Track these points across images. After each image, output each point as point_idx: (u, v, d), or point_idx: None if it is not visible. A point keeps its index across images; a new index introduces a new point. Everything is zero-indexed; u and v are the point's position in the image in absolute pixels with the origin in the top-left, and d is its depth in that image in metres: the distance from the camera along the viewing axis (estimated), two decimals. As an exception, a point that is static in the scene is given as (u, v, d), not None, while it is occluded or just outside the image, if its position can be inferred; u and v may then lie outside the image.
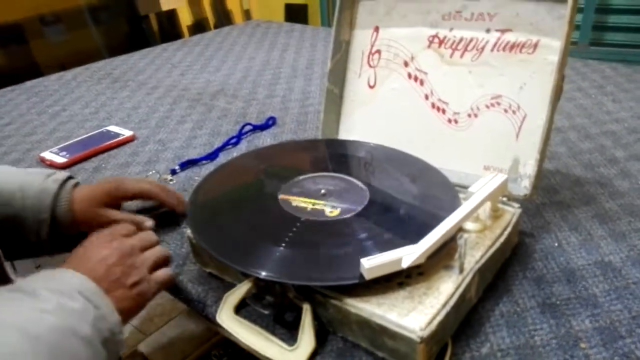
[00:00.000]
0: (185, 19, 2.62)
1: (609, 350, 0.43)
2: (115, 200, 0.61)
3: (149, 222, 0.60)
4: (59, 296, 0.41)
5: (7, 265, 0.51)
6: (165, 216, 0.64)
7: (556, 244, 0.56)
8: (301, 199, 0.55)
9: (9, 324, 0.37)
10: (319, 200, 0.55)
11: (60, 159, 0.81)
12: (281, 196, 0.55)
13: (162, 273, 0.51)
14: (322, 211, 0.53)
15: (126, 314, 0.46)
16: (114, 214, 0.60)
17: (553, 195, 0.65)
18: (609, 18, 1.92)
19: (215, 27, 2.66)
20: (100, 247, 0.48)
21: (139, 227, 0.58)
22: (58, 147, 0.85)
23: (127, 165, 0.80)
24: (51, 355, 0.37)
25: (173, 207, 0.63)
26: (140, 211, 0.65)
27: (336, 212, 0.52)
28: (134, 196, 0.62)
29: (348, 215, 0.52)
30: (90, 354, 0.40)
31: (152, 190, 0.62)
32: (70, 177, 0.62)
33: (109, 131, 0.90)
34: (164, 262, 0.52)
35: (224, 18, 2.74)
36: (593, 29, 1.93)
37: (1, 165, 0.65)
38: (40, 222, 0.58)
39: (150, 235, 0.54)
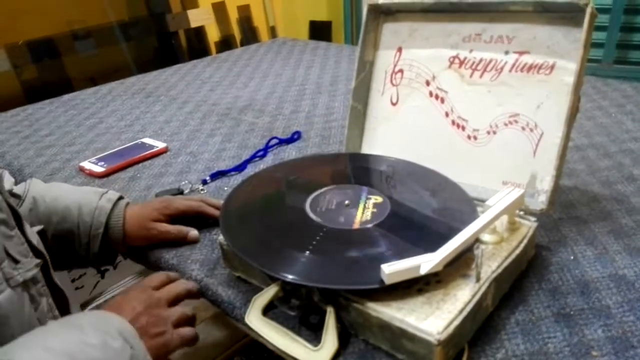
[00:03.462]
0: (213, 35, 2.69)
1: (620, 359, 0.44)
2: (165, 217, 0.65)
3: (193, 232, 0.65)
4: (103, 334, 0.44)
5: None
6: (198, 222, 0.67)
7: (572, 257, 0.57)
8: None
9: (59, 351, 0.42)
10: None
11: (98, 169, 0.86)
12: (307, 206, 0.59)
13: (187, 330, 0.52)
14: (347, 220, 0.56)
15: None
16: (163, 226, 0.65)
17: (570, 211, 0.66)
18: (634, 36, 1.92)
19: (242, 43, 2.72)
20: (132, 298, 0.51)
21: (185, 237, 0.65)
22: (96, 157, 0.90)
23: (161, 176, 0.84)
24: None
25: (216, 216, 0.66)
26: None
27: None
28: (183, 213, 0.66)
29: (370, 225, 0.55)
30: None
31: (199, 206, 0.67)
32: (121, 197, 0.67)
33: (143, 143, 0.95)
34: (188, 320, 0.54)
35: (250, 35, 2.81)
36: (617, 47, 1.93)
37: (55, 182, 0.71)
38: (93, 237, 0.63)
39: (178, 287, 0.56)
